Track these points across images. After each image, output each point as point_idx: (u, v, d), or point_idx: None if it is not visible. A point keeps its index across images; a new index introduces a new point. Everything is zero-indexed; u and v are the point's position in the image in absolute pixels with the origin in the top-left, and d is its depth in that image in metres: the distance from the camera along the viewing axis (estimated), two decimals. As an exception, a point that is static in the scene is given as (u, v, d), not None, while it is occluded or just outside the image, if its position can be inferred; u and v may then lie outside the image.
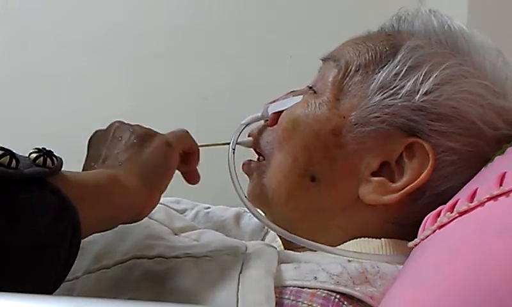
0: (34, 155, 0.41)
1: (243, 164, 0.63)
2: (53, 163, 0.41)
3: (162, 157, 0.52)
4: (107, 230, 0.49)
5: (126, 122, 0.55)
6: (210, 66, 1.32)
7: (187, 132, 0.57)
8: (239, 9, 1.35)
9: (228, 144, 0.62)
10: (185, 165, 0.58)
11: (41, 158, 0.40)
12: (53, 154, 0.42)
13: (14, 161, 0.38)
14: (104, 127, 0.56)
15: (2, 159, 0.37)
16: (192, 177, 0.60)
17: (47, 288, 0.41)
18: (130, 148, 0.51)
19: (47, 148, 0.42)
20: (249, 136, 0.65)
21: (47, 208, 0.39)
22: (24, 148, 0.43)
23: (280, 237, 0.62)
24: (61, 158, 0.43)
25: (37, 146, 0.41)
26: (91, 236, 0.59)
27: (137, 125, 0.54)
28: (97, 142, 0.54)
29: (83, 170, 0.52)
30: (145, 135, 0.53)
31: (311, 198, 0.57)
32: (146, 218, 0.62)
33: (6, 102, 1.36)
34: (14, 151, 0.39)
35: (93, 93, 1.34)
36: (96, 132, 0.55)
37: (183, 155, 0.56)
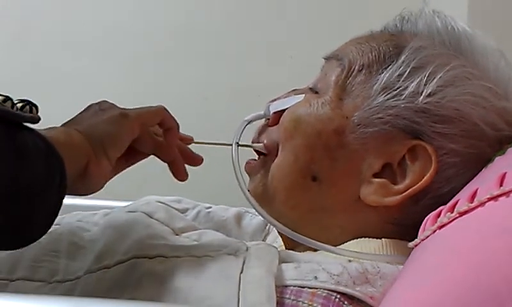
0: (20, 104, 0.44)
1: (246, 164, 0.63)
2: (37, 111, 0.46)
3: (112, 125, 0.54)
4: None
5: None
6: (210, 66, 1.32)
7: (163, 108, 0.59)
8: (239, 9, 1.35)
9: (230, 145, 0.62)
10: (164, 150, 0.59)
11: (27, 106, 0.45)
12: (34, 103, 0.46)
13: (14, 107, 0.42)
14: None
15: (5, 103, 0.42)
16: (177, 170, 0.61)
17: (36, 235, 0.44)
18: (90, 116, 0.55)
19: (28, 99, 0.46)
20: (252, 142, 0.64)
21: (39, 152, 0.42)
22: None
23: (281, 237, 0.62)
24: (38, 107, 0.47)
25: (19, 97, 0.45)
26: (92, 235, 0.59)
27: (107, 102, 0.57)
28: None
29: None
30: (107, 108, 0.56)
31: (312, 197, 0.57)
32: (147, 217, 0.62)
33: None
34: None
35: (92, 93, 1.34)
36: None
37: (163, 132, 0.59)
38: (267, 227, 0.76)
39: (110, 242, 0.55)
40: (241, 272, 0.48)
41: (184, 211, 0.74)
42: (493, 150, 0.55)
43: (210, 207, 0.77)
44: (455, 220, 0.45)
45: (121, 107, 0.57)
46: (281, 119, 0.60)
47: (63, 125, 0.53)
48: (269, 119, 0.63)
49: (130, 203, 0.71)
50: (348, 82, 0.58)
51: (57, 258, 0.55)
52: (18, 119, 0.42)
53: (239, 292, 0.46)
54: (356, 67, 0.58)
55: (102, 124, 0.54)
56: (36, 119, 0.44)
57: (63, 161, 0.44)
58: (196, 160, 0.63)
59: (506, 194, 0.42)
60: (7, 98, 0.42)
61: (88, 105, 0.57)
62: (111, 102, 0.58)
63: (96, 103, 0.57)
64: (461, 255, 0.40)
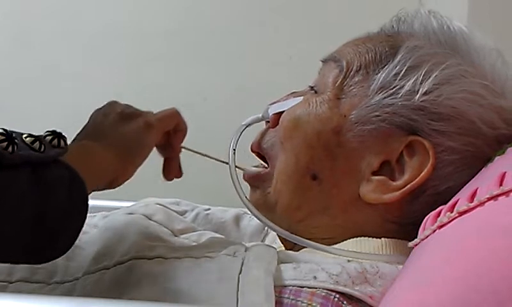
0: (49, 138, 0.48)
1: (244, 175, 0.63)
2: (65, 143, 0.49)
3: (139, 136, 0.57)
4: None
5: (120, 102, 0.60)
6: (209, 66, 1.32)
7: (176, 111, 0.62)
8: (239, 9, 1.35)
9: (227, 163, 0.62)
10: (167, 146, 0.62)
11: (56, 140, 0.48)
12: (62, 135, 0.49)
13: (42, 146, 0.46)
14: None
15: (34, 145, 0.46)
16: (171, 168, 0.64)
17: (59, 254, 0.49)
18: (113, 124, 0.57)
19: (57, 130, 0.49)
20: (252, 148, 0.64)
21: (64, 182, 0.47)
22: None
23: (280, 238, 0.62)
24: (66, 138, 0.50)
25: (48, 129, 0.49)
26: (91, 237, 0.60)
27: (128, 105, 0.60)
28: (93, 116, 0.59)
29: (78, 135, 0.58)
30: (129, 115, 0.58)
31: (313, 197, 0.57)
32: (146, 219, 0.62)
33: (6, 102, 1.36)
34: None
35: (92, 94, 1.34)
36: (96, 110, 0.60)
37: (168, 133, 0.61)
38: (266, 228, 0.76)
39: (109, 243, 0.55)
40: (240, 273, 0.48)
41: (182, 213, 0.74)
42: (491, 149, 0.55)
43: (208, 209, 0.78)
44: (455, 220, 0.45)
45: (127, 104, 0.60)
46: (281, 119, 0.61)
47: (88, 136, 0.56)
48: (268, 121, 0.63)
49: (130, 203, 0.71)
50: (346, 82, 0.58)
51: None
52: (44, 161, 0.46)
53: (237, 293, 0.46)
54: (354, 68, 0.58)
55: (129, 136, 0.57)
56: (62, 153, 0.48)
57: (86, 189, 0.48)
58: (174, 173, 0.65)
59: (506, 193, 0.42)
60: (36, 139, 0.46)
61: (104, 109, 0.59)
62: (120, 103, 0.60)
63: (111, 106, 0.59)
64: (461, 255, 0.40)
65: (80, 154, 0.52)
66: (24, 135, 0.46)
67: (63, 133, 0.49)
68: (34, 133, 0.47)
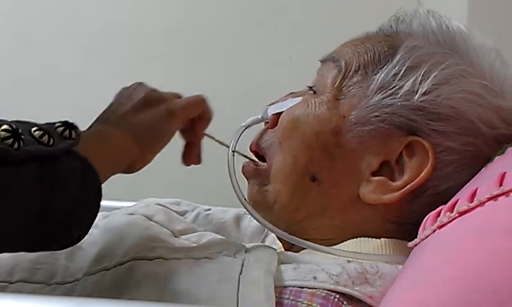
0: (61, 129, 0.48)
1: (243, 167, 0.63)
2: (76, 134, 0.48)
3: (159, 123, 0.57)
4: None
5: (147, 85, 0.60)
6: (209, 66, 1.32)
7: (202, 98, 0.61)
8: (239, 9, 1.35)
9: (228, 146, 0.62)
10: (190, 131, 0.62)
11: (67, 131, 0.48)
12: (74, 126, 0.49)
13: (51, 139, 0.46)
14: None
15: (42, 138, 0.45)
16: (191, 153, 0.63)
17: (71, 243, 0.49)
18: (135, 109, 0.56)
19: (69, 121, 0.49)
20: (250, 148, 0.64)
21: (76, 173, 0.47)
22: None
23: (279, 238, 0.62)
24: (79, 129, 0.49)
25: (60, 119, 0.48)
26: (91, 237, 0.59)
27: (153, 90, 0.59)
28: (118, 96, 0.59)
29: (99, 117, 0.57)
30: (153, 100, 0.58)
31: (313, 198, 0.57)
32: (147, 220, 0.62)
33: (6, 102, 1.36)
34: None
35: (93, 94, 1.34)
36: (123, 88, 0.60)
37: (192, 120, 0.61)
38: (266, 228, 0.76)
39: (109, 244, 0.55)
40: (240, 274, 0.48)
41: (183, 213, 0.74)
42: (491, 149, 0.55)
43: (209, 209, 0.77)
44: (455, 220, 0.45)
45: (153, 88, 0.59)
46: (280, 119, 0.61)
47: (109, 119, 0.56)
48: (267, 122, 0.63)
49: (130, 203, 0.71)
50: (344, 83, 0.58)
51: (56, 260, 0.55)
52: (52, 154, 0.46)
53: (238, 293, 0.46)
54: (352, 68, 0.58)
55: (149, 122, 0.56)
56: (73, 145, 0.48)
57: (99, 179, 0.48)
58: (194, 160, 0.64)
59: (506, 193, 0.42)
60: (44, 133, 0.46)
61: (130, 90, 0.59)
62: (147, 86, 0.60)
63: (137, 89, 0.59)
64: (461, 255, 0.40)
65: (97, 140, 0.52)
66: (33, 129, 0.46)
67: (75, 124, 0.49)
68: (44, 124, 0.47)
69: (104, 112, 0.58)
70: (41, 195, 0.44)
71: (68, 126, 0.48)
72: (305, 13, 1.33)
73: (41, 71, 1.36)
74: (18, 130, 0.44)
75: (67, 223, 0.47)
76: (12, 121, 0.46)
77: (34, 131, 0.46)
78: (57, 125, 0.48)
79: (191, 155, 0.63)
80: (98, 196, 0.49)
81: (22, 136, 0.44)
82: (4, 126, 0.43)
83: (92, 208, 0.49)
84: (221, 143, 0.63)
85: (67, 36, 1.37)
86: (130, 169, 0.56)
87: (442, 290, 0.38)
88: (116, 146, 0.54)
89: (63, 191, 0.46)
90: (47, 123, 0.48)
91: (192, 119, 0.61)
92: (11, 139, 0.43)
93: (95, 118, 0.57)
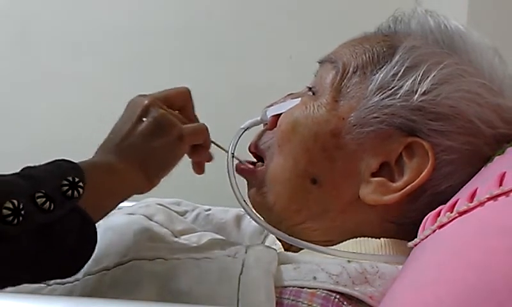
0: (65, 188, 0.47)
1: (237, 166, 0.63)
2: (78, 193, 0.47)
3: (170, 151, 0.57)
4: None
5: (158, 102, 0.58)
6: (209, 66, 1.32)
7: (206, 127, 0.61)
8: (239, 9, 1.35)
9: (227, 151, 0.62)
10: (194, 155, 0.62)
11: (70, 191, 0.47)
12: (79, 185, 0.48)
13: (52, 204, 0.45)
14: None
15: (44, 206, 0.45)
16: (197, 168, 0.65)
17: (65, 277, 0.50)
18: (144, 136, 0.55)
19: (76, 179, 0.48)
20: (249, 148, 0.64)
21: (73, 231, 0.47)
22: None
23: (280, 239, 0.62)
24: (84, 183, 0.48)
25: (67, 178, 0.47)
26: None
27: (163, 112, 0.57)
28: (126, 114, 0.58)
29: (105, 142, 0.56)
30: (163, 126, 0.56)
31: (313, 200, 0.57)
32: (147, 220, 0.62)
33: (6, 103, 1.36)
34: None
35: (94, 94, 1.34)
36: (138, 96, 0.60)
37: (194, 146, 0.60)
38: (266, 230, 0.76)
39: (109, 244, 0.55)
40: (240, 274, 0.48)
41: (183, 213, 0.74)
42: (490, 148, 0.55)
43: (209, 209, 0.77)
44: (454, 220, 0.45)
45: (164, 105, 0.58)
46: (279, 122, 0.61)
47: (114, 150, 0.55)
48: (266, 123, 0.63)
49: (131, 203, 0.71)
50: (343, 84, 0.58)
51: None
52: (46, 220, 0.45)
53: (238, 293, 0.46)
54: (351, 69, 0.58)
55: (159, 152, 0.56)
56: (74, 205, 0.47)
57: (96, 234, 0.49)
58: (199, 171, 0.65)
59: (506, 193, 0.42)
60: (47, 200, 0.45)
61: (141, 111, 0.57)
62: (158, 107, 0.57)
63: (154, 114, 0.56)
64: (460, 255, 0.40)
65: (103, 175, 0.52)
66: (37, 195, 0.45)
67: (83, 173, 0.48)
68: (48, 191, 0.45)
69: (110, 134, 0.57)
70: (35, 258, 0.45)
71: (73, 186, 0.47)
72: (305, 13, 1.33)
73: (41, 72, 1.36)
74: (20, 206, 0.43)
75: (63, 268, 0.48)
76: (23, 175, 0.46)
77: (37, 197, 0.45)
78: (63, 183, 0.47)
79: (201, 165, 0.64)
80: (94, 246, 0.49)
81: (22, 212, 0.43)
82: (7, 204, 0.42)
83: (87, 255, 0.49)
84: (220, 147, 0.63)
85: (67, 36, 1.37)
86: (137, 194, 0.56)
87: (442, 290, 0.38)
88: (123, 181, 0.54)
89: (59, 249, 0.46)
90: (54, 179, 0.47)
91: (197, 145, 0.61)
92: (11, 217, 0.42)
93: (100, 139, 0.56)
